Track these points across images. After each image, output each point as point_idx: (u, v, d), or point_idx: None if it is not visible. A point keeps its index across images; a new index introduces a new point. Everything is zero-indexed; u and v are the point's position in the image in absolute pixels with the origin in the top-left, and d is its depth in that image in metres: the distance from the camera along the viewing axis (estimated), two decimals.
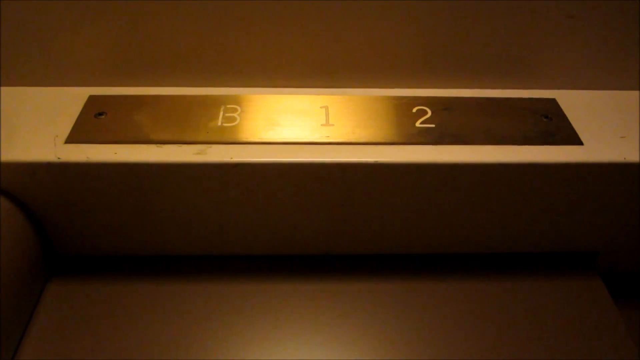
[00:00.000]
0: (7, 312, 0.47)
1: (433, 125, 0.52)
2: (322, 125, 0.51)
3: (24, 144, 0.48)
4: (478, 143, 0.50)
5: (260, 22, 0.52)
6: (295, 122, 0.52)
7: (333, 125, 0.51)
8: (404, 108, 0.54)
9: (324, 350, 0.49)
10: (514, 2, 0.51)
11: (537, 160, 0.49)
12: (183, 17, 0.52)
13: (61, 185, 0.49)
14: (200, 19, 0.52)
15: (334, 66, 0.56)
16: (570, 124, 0.52)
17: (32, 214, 0.51)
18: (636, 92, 0.57)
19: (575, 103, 0.55)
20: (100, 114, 0.52)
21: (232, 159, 0.48)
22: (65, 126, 0.50)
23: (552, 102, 0.55)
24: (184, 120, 0.51)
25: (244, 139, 0.50)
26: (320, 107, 0.53)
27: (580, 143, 0.50)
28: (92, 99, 0.54)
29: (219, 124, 0.51)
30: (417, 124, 0.52)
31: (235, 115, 0.52)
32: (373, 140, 0.50)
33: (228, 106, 0.53)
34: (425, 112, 0.53)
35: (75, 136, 0.49)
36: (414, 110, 0.53)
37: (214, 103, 0.53)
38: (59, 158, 0.47)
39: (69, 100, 0.53)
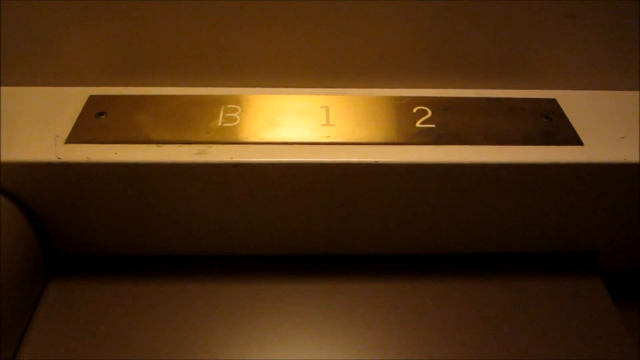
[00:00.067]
0: (7, 312, 0.47)
1: (433, 126, 0.52)
2: (322, 125, 0.51)
3: (24, 144, 0.48)
4: (478, 143, 0.50)
5: (260, 22, 0.52)
6: (296, 122, 0.52)
7: (333, 125, 0.51)
8: (404, 108, 0.54)
9: (324, 350, 0.49)
10: (514, 2, 0.51)
11: (537, 161, 0.49)
12: (183, 17, 0.52)
13: (61, 185, 0.49)
14: (200, 19, 0.52)
15: (334, 66, 0.56)
16: (570, 124, 0.52)
17: (32, 214, 0.51)
18: (636, 92, 0.57)
19: (575, 103, 0.55)
20: (101, 114, 0.52)
21: (232, 159, 0.48)
22: (66, 126, 0.50)
23: (552, 102, 0.55)
24: (185, 120, 0.51)
25: (245, 139, 0.50)
26: (321, 107, 0.53)
27: (581, 143, 0.50)
28: (92, 99, 0.54)
29: (220, 124, 0.51)
30: (418, 124, 0.52)
31: (235, 115, 0.52)
32: (373, 140, 0.50)
33: (228, 106, 0.53)
34: (426, 112, 0.53)
35: (76, 136, 0.49)
36: (414, 110, 0.53)
37: (215, 103, 0.53)
38: (59, 158, 0.47)
39: (69, 100, 0.53)
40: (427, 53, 0.55)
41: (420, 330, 0.51)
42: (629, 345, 0.50)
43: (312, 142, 0.50)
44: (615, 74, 0.56)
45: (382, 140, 0.50)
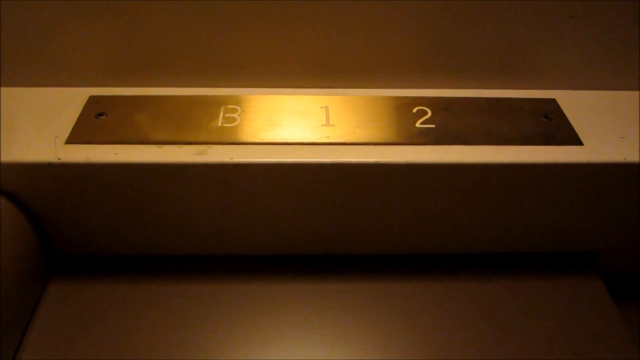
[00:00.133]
0: (7, 312, 0.47)
1: (433, 126, 0.52)
2: (322, 125, 0.51)
3: (25, 144, 0.48)
4: (478, 143, 0.50)
5: (260, 22, 0.52)
6: (296, 123, 0.52)
7: (333, 125, 0.51)
8: (404, 108, 0.54)
9: (324, 350, 0.49)
10: (514, 2, 0.51)
11: (537, 161, 0.49)
12: (183, 18, 0.52)
13: (61, 185, 0.49)
14: (201, 19, 0.52)
15: (334, 66, 0.56)
16: (570, 124, 0.52)
17: (32, 214, 0.51)
18: (636, 92, 0.57)
19: (575, 103, 0.55)
20: (101, 114, 0.52)
21: (232, 160, 0.48)
22: (66, 127, 0.50)
23: (552, 102, 0.55)
24: (184, 121, 0.51)
25: (244, 140, 0.50)
26: (321, 108, 0.53)
27: (580, 143, 0.50)
28: (92, 100, 0.54)
29: (219, 124, 0.51)
30: (417, 124, 0.52)
31: (235, 115, 0.52)
32: (373, 140, 0.50)
33: (228, 106, 0.53)
34: (426, 113, 0.53)
35: (76, 136, 0.49)
36: (414, 110, 0.53)
37: (214, 103, 0.53)
38: (59, 158, 0.47)
39: (69, 101, 0.53)
40: (427, 53, 0.55)
41: (420, 330, 0.51)
42: (629, 345, 0.50)
43: (312, 143, 0.50)
44: (615, 74, 0.56)
45: (382, 141, 0.50)
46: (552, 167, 0.49)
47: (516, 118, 0.53)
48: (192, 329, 0.50)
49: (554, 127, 0.52)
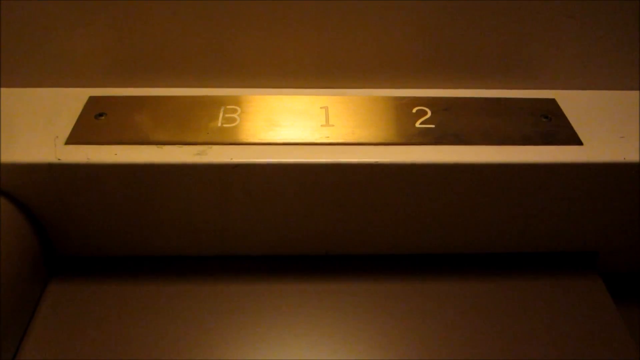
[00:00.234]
0: (7, 312, 0.47)
1: (433, 126, 0.52)
2: (322, 125, 0.52)
3: (24, 145, 0.48)
4: (478, 143, 0.50)
5: (261, 22, 0.52)
6: (295, 123, 0.52)
7: (333, 125, 0.52)
8: (404, 108, 0.54)
9: (324, 350, 0.49)
10: (514, 2, 0.51)
11: (537, 161, 0.49)
12: (183, 18, 0.52)
13: (61, 186, 0.49)
14: (200, 19, 0.52)
15: (334, 66, 0.56)
16: (570, 124, 0.52)
17: (32, 215, 0.51)
18: (636, 92, 0.57)
19: (575, 103, 0.55)
20: (101, 114, 0.52)
21: (232, 160, 0.48)
22: (66, 127, 0.50)
23: (552, 102, 0.55)
24: (184, 121, 0.51)
25: (244, 140, 0.50)
26: (320, 108, 0.53)
27: (580, 143, 0.50)
28: (92, 100, 0.54)
29: (219, 124, 0.51)
30: (417, 125, 0.52)
31: (235, 115, 0.52)
32: (373, 140, 0.50)
33: (228, 107, 0.53)
34: (425, 113, 0.53)
35: (76, 137, 0.49)
36: (414, 110, 0.53)
37: (214, 103, 0.53)
38: (59, 159, 0.47)
39: (69, 101, 0.53)
40: (427, 53, 0.55)
41: (420, 330, 0.51)
42: (629, 345, 0.50)
43: (312, 143, 0.50)
44: (615, 74, 0.56)
45: (382, 141, 0.50)
46: (552, 167, 0.49)
47: (516, 118, 0.53)
48: (192, 329, 0.50)
49: (553, 127, 0.52)
